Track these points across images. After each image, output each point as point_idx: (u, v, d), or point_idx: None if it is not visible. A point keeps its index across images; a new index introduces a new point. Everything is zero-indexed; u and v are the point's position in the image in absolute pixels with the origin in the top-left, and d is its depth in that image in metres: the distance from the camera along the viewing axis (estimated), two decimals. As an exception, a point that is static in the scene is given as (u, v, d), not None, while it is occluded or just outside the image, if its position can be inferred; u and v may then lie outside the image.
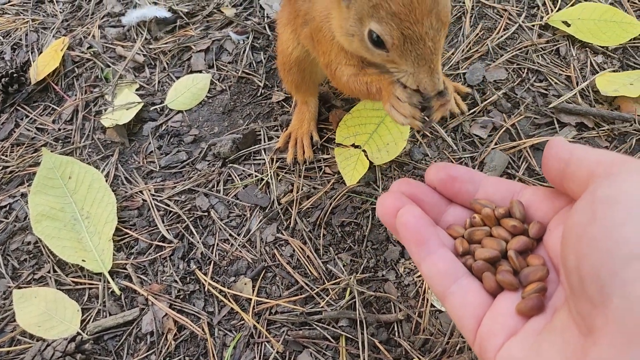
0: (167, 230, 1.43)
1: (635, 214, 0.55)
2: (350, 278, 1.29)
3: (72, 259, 1.39)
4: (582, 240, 0.58)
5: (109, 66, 1.79)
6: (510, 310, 0.70)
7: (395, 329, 1.24)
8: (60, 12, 1.98)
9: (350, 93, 1.16)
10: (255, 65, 1.73)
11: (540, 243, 0.78)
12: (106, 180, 1.51)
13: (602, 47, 1.63)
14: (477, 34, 1.70)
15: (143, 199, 1.49)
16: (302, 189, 1.45)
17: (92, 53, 1.82)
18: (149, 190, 1.51)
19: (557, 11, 1.72)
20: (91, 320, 1.33)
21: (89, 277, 1.39)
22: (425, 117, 0.96)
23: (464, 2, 1.78)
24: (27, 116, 1.71)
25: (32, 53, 1.87)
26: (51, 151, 1.59)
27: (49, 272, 1.41)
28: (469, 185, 0.84)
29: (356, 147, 1.44)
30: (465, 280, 0.75)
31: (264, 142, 1.55)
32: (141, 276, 1.38)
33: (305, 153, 1.49)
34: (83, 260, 1.39)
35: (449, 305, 0.74)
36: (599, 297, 0.54)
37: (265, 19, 1.83)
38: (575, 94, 1.54)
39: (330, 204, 1.41)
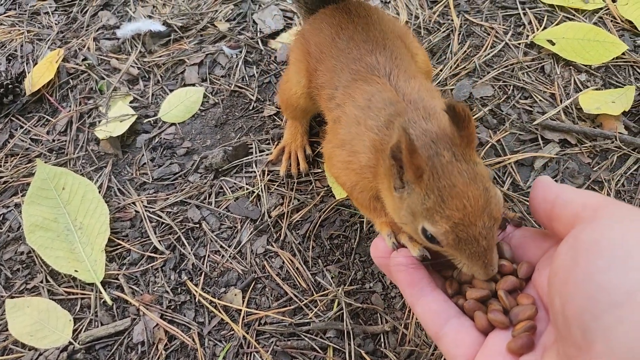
0: (159, 241, 1.46)
1: (617, 261, 0.57)
2: (338, 290, 1.32)
3: (65, 269, 1.41)
4: (566, 284, 0.61)
5: (104, 78, 1.82)
6: (501, 348, 0.73)
7: (382, 340, 1.27)
8: (56, 24, 2.00)
9: (345, 190, 1.15)
10: (247, 79, 1.76)
11: (530, 282, 0.81)
12: (99, 192, 1.54)
13: (586, 65, 1.68)
14: (465, 51, 1.74)
15: (136, 211, 1.52)
16: (292, 202, 1.48)
17: (87, 65, 1.85)
18: (142, 202, 1.53)
19: (542, 30, 1.76)
20: (83, 330, 1.35)
21: (81, 287, 1.42)
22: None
23: (452, 20, 1.82)
24: (21, 127, 1.74)
25: (27, 64, 1.89)
26: (45, 162, 1.61)
27: (41, 282, 1.43)
28: None
29: (345, 161, 1.47)
30: (457, 320, 0.78)
31: (256, 155, 1.58)
32: (133, 287, 1.40)
33: (301, 166, 1.52)
34: (75, 271, 1.41)
35: (443, 346, 0.77)
36: (583, 342, 0.57)
37: (258, 33, 1.87)
38: (559, 111, 1.58)
39: (320, 217, 1.44)
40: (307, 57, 1.28)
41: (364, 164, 0.99)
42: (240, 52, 1.82)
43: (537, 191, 0.77)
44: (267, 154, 1.57)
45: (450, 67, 1.70)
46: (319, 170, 1.53)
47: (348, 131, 1.05)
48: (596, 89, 1.63)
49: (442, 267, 0.89)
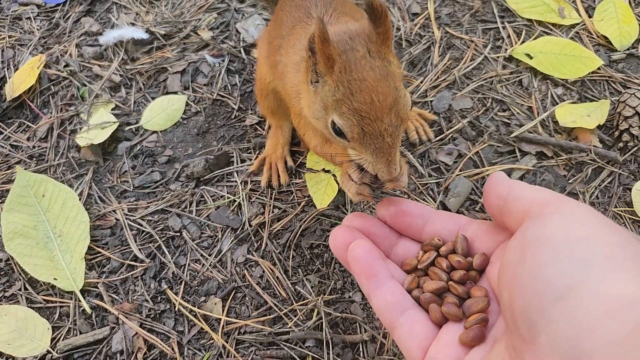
0: (139, 249, 1.46)
1: (561, 256, 0.60)
2: (318, 299, 1.34)
3: (44, 277, 1.41)
4: (514, 280, 0.63)
5: (86, 85, 1.81)
6: (454, 340, 0.75)
7: (361, 349, 1.29)
8: (38, 30, 2.00)
9: (319, 154, 1.21)
10: (230, 88, 1.77)
11: (484, 274, 0.83)
12: (80, 199, 1.53)
13: (562, 79, 1.72)
14: (445, 63, 1.77)
15: (116, 218, 1.52)
16: (273, 211, 1.49)
17: (68, 71, 1.85)
18: (122, 210, 1.53)
19: (520, 44, 1.80)
20: (61, 338, 1.34)
21: (60, 296, 1.41)
22: (377, 194, 1.00)
23: (433, 33, 1.85)
24: (1, 133, 1.72)
25: (8, 70, 1.88)
26: (25, 169, 1.60)
27: (20, 290, 1.42)
28: (419, 220, 0.89)
29: (326, 172, 1.49)
30: (412, 312, 0.80)
31: (237, 164, 1.59)
32: (112, 295, 1.40)
33: (281, 178, 1.53)
34: (55, 279, 1.40)
35: (397, 337, 0.79)
36: (528, 334, 0.59)
37: (241, 42, 1.88)
38: (536, 124, 1.62)
39: (300, 227, 1.45)
40: (268, 31, 1.35)
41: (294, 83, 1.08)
42: (223, 60, 1.83)
43: (490, 186, 0.79)
44: (248, 164, 1.58)
45: (431, 79, 1.73)
46: (300, 180, 1.54)
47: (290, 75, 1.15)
48: (572, 103, 1.66)
49: (405, 257, 0.91)
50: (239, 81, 1.78)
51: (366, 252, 0.82)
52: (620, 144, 1.57)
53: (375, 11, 0.83)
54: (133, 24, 1.95)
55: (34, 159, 1.67)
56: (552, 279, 0.59)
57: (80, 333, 1.35)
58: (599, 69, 1.73)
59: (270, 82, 1.40)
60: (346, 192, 1.03)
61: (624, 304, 0.54)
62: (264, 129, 1.66)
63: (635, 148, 1.57)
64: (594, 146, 1.56)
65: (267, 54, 1.38)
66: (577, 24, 1.86)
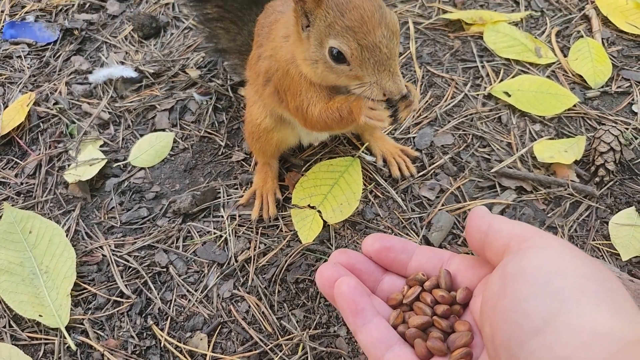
0: (125, 285, 1.47)
1: (539, 289, 0.63)
2: (303, 334, 1.35)
3: (29, 314, 1.41)
4: (495, 313, 0.66)
5: (75, 122, 1.84)
6: None
7: (345, 384, 1.29)
8: (28, 68, 2.03)
9: (324, 126, 1.24)
10: (217, 125, 1.81)
11: (467, 308, 0.85)
12: (67, 235, 1.54)
13: (540, 116, 1.78)
14: (427, 101, 1.83)
15: (103, 254, 1.53)
16: (259, 246, 1.51)
17: (58, 109, 1.88)
18: (109, 246, 1.54)
19: (499, 82, 1.86)
20: (45, 376, 1.34)
21: (45, 332, 1.41)
22: (395, 117, 1.07)
23: (415, 71, 1.91)
24: (-11, 170, 1.74)
25: (-3, 107, 1.91)
26: (13, 205, 1.61)
27: (4, 327, 1.41)
28: (403, 255, 0.92)
29: (312, 207, 1.52)
30: (398, 348, 0.82)
31: (224, 199, 1.61)
32: (98, 331, 1.40)
33: (270, 210, 1.56)
34: (40, 315, 1.40)
35: None
36: None
37: (228, 81, 1.92)
38: (515, 159, 1.66)
39: (286, 261, 1.47)
40: (250, 67, 1.44)
41: (287, 67, 1.18)
42: (211, 98, 1.87)
43: (472, 221, 0.82)
44: (235, 199, 1.61)
45: (413, 116, 1.78)
46: (286, 214, 1.57)
47: (269, 62, 1.28)
48: (550, 139, 1.72)
49: (390, 292, 0.94)
50: (226, 118, 1.82)
51: (352, 289, 0.84)
52: (597, 179, 1.62)
53: None
54: (123, 63, 2.00)
55: (22, 195, 1.68)
56: (530, 312, 0.62)
57: (65, 370, 1.35)
58: (574, 106, 1.79)
59: (262, 122, 1.45)
60: (373, 125, 1.09)
61: (598, 335, 0.57)
62: (249, 165, 1.69)
63: (611, 183, 1.62)
64: (572, 181, 1.61)
65: (253, 94, 1.44)
66: (553, 63, 1.93)
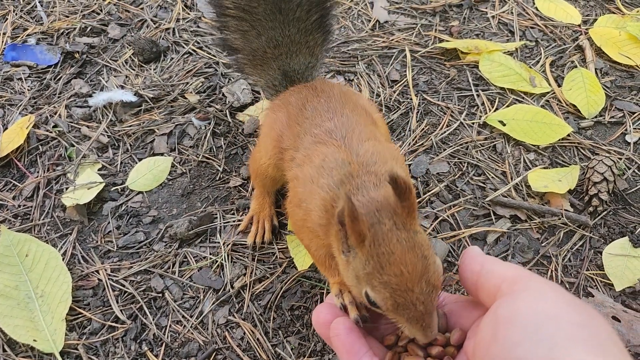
0: (120, 310, 1.47)
1: (529, 334, 0.64)
2: (298, 362, 1.35)
3: (23, 338, 1.40)
4: (487, 358, 0.67)
5: (73, 145, 1.85)
6: None
7: (339, 413, 1.29)
8: (28, 90, 2.05)
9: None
10: (215, 150, 1.82)
11: (462, 350, 0.86)
12: (63, 259, 1.55)
13: (534, 145, 1.80)
14: (423, 129, 1.85)
15: (99, 279, 1.53)
16: (255, 273, 1.52)
17: (57, 132, 1.89)
18: (105, 270, 1.54)
19: (494, 111, 1.89)
20: (38, 402, 1.33)
21: (39, 357, 1.40)
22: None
23: (411, 99, 1.93)
24: (-13, 192, 1.75)
25: (-3, 129, 1.92)
26: (9, 228, 1.62)
27: (-2, 351, 1.41)
28: None
29: (307, 234, 1.53)
30: None
31: (221, 224, 1.62)
32: (92, 357, 1.40)
33: (266, 236, 1.57)
34: (34, 340, 1.40)
35: None
36: None
37: (227, 106, 1.94)
38: (510, 188, 1.68)
39: (282, 288, 1.48)
40: (275, 127, 1.35)
41: (316, 222, 1.05)
42: (209, 123, 1.89)
43: (464, 262, 0.83)
44: (232, 224, 1.62)
45: (409, 144, 1.80)
46: (281, 241, 1.58)
47: (303, 189, 1.12)
48: (544, 168, 1.74)
49: (385, 332, 0.94)
50: (224, 143, 1.84)
51: (347, 330, 0.85)
52: (591, 208, 1.64)
53: (399, 187, 0.86)
54: (122, 87, 2.02)
55: (19, 217, 1.69)
56: (522, 357, 0.62)
57: (58, 396, 1.34)
58: (568, 135, 1.82)
59: (268, 168, 1.41)
60: (333, 298, 1.02)
61: None
62: (247, 191, 1.70)
63: (605, 212, 1.64)
64: (566, 210, 1.63)
65: (274, 152, 1.37)
66: (548, 92, 1.96)
